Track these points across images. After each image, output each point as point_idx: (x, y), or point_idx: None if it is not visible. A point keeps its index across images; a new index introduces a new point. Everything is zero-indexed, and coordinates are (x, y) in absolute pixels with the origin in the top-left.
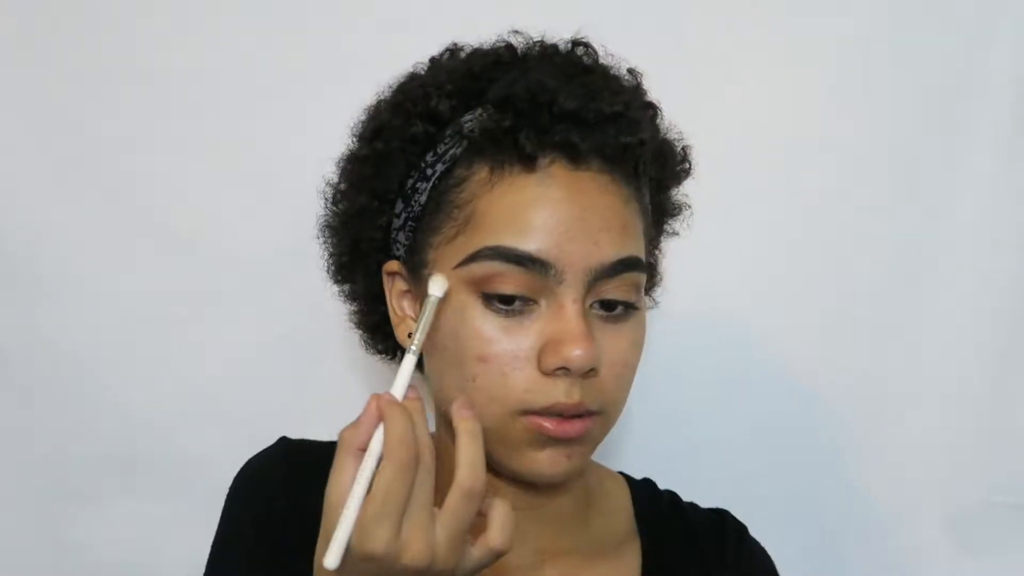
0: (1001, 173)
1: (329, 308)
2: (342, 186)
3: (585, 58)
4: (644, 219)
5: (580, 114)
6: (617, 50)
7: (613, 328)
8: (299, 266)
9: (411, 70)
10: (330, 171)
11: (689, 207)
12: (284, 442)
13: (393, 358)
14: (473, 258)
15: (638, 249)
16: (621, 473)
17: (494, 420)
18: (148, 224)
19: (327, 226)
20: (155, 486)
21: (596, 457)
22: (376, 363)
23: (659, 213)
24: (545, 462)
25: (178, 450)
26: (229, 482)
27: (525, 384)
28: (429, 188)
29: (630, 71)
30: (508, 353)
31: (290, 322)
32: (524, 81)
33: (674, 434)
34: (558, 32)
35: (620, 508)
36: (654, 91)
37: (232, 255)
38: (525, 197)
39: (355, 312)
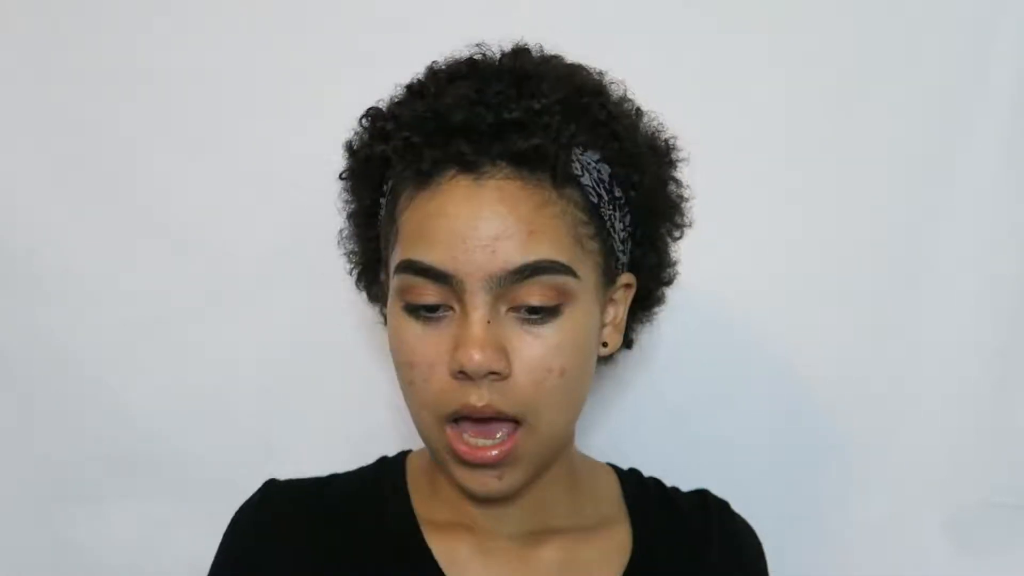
0: (1001, 173)
1: (329, 308)
2: (344, 195)
3: (522, 65)
4: (574, 219)
5: (471, 125)
6: (617, 50)
7: (533, 332)
8: (299, 266)
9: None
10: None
11: (688, 199)
12: (269, 485)
13: None
14: (396, 270)
15: (554, 252)
16: (609, 464)
17: (427, 428)
18: (148, 224)
19: (351, 251)
20: (155, 486)
21: (596, 454)
22: (375, 363)
23: (646, 208)
24: (475, 482)
25: (178, 450)
26: (229, 482)
27: (440, 387)
28: (385, 203)
29: (571, 65)
30: (428, 358)
31: (290, 322)
32: (428, 101)
33: (674, 433)
34: (558, 34)
35: (609, 494)
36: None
37: (232, 255)
38: (427, 212)
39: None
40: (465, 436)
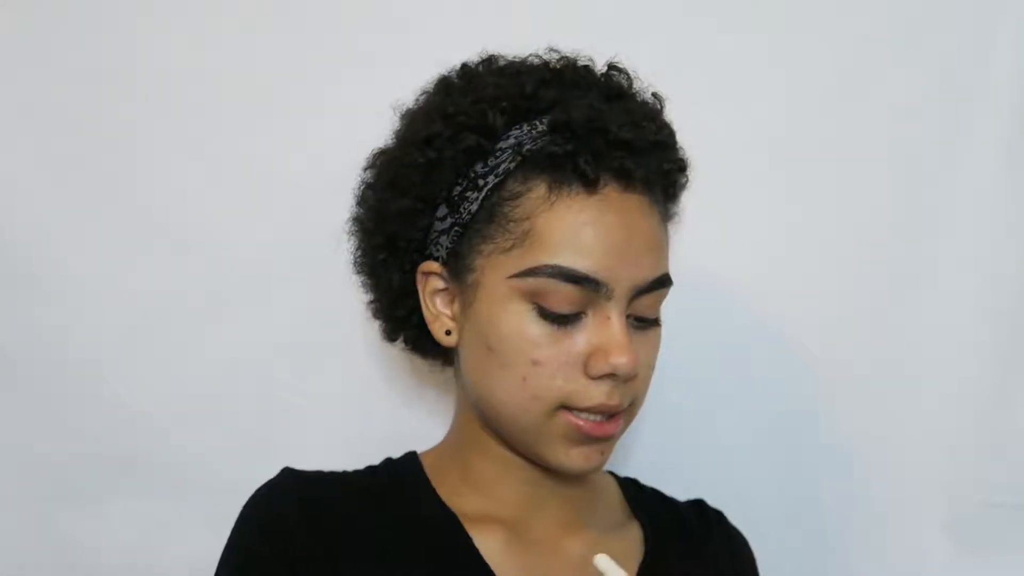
0: (1001, 173)
1: (329, 308)
2: (379, 185)
3: (623, 83)
4: (667, 237)
5: (632, 143)
6: (617, 50)
7: (643, 336)
8: (299, 266)
9: (445, 76)
10: (330, 172)
11: (678, 215)
12: (288, 471)
13: (413, 350)
14: (532, 272)
15: (667, 266)
16: (608, 471)
17: (535, 416)
18: (148, 224)
19: (358, 220)
20: (155, 486)
21: None
22: (375, 365)
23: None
24: (579, 458)
25: (178, 450)
26: (229, 482)
27: (573, 386)
28: (481, 198)
29: (655, 95)
30: (558, 358)
31: (290, 322)
32: (581, 108)
33: (673, 434)
34: (558, 34)
35: (615, 499)
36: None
37: (232, 255)
38: (583, 218)
39: (377, 303)
40: (583, 415)
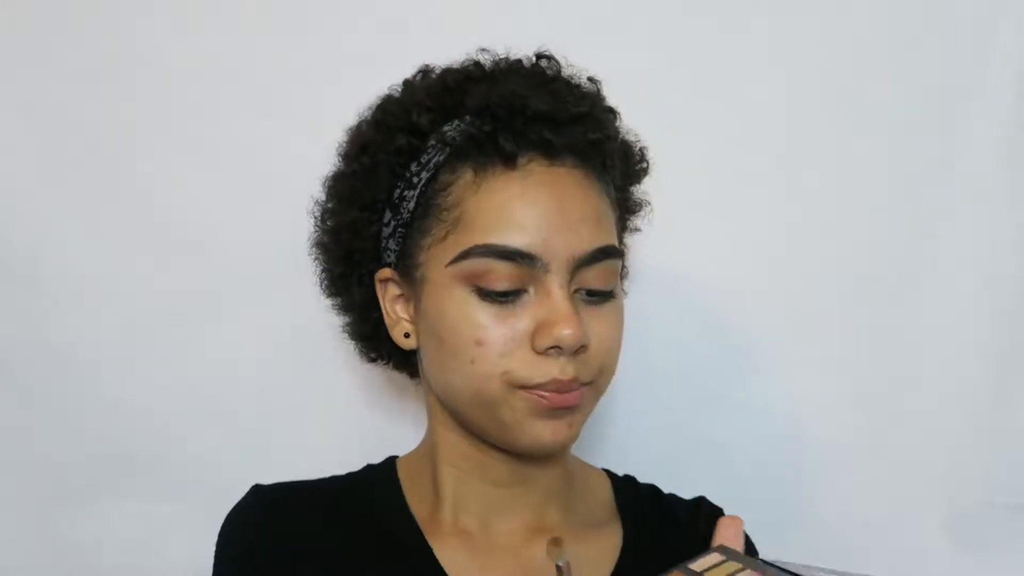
0: (1001, 173)
1: (328, 309)
2: (330, 204)
3: (548, 70)
4: (614, 212)
5: (552, 114)
6: (617, 50)
7: (597, 309)
8: (299, 266)
9: (387, 92)
10: (323, 180)
11: (649, 204)
12: (256, 490)
13: (387, 363)
14: (466, 255)
15: (613, 238)
16: (604, 470)
17: (491, 399)
18: (148, 224)
19: (318, 243)
20: (155, 486)
21: (593, 454)
22: (375, 364)
23: (622, 209)
24: (547, 431)
25: (178, 450)
26: (229, 482)
27: (520, 364)
28: (416, 195)
29: (590, 79)
30: (503, 336)
31: (290, 322)
32: (498, 90)
33: (672, 433)
34: (558, 33)
35: (601, 498)
36: (654, 91)
37: (232, 255)
38: (509, 194)
39: (349, 323)
40: (540, 391)
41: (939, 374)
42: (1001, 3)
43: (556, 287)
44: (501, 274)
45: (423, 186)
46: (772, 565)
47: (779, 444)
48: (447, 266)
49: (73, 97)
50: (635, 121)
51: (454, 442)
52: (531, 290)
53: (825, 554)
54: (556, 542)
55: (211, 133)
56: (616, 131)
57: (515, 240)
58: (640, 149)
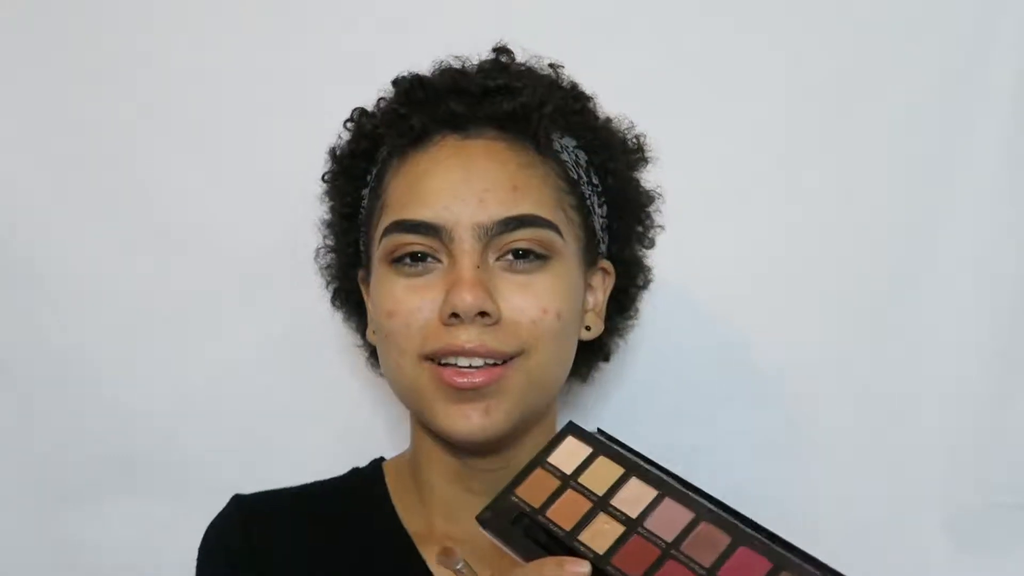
0: (1001, 173)
1: (329, 308)
2: (326, 220)
3: (501, 59)
4: (556, 185)
5: (463, 90)
6: (617, 50)
7: (522, 279)
8: (299, 266)
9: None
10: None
11: (660, 195)
12: (236, 500)
13: None
14: (384, 235)
15: (537, 208)
16: None
17: (407, 375)
18: (148, 224)
19: (327, 267)
20: (155, 486)
21: None
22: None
23: (620, 201)
24: (459, 417)
25: (178, 450)
26: (229, 482)
27: (424, 331)
28: (369, 192)
29: (551, 65)
30: (411, 305)
31: (290, 322)
32: (420, 78)
33: (671, 433)
34: (557, 33)
35: None
36: (655, 91)
37: (232, 255)
38: (419, 171)
39: (361, 336)
40: (445, 364)
41: (939, 374)
42: (1001, 3)
43: (462, 254)
44: (409, 246)
45: (373, 182)
46: (641, 457)
47: (778, 444)
48: (376, 251)
49: (73, 97)
50: (635, 121)
51: (430, 445)
52: (445, 262)
53: (825, 554)
54: (446, 551)
55: (211, 133)
56: (551, 103)
57: (420, 213)
58: (636, 136)
